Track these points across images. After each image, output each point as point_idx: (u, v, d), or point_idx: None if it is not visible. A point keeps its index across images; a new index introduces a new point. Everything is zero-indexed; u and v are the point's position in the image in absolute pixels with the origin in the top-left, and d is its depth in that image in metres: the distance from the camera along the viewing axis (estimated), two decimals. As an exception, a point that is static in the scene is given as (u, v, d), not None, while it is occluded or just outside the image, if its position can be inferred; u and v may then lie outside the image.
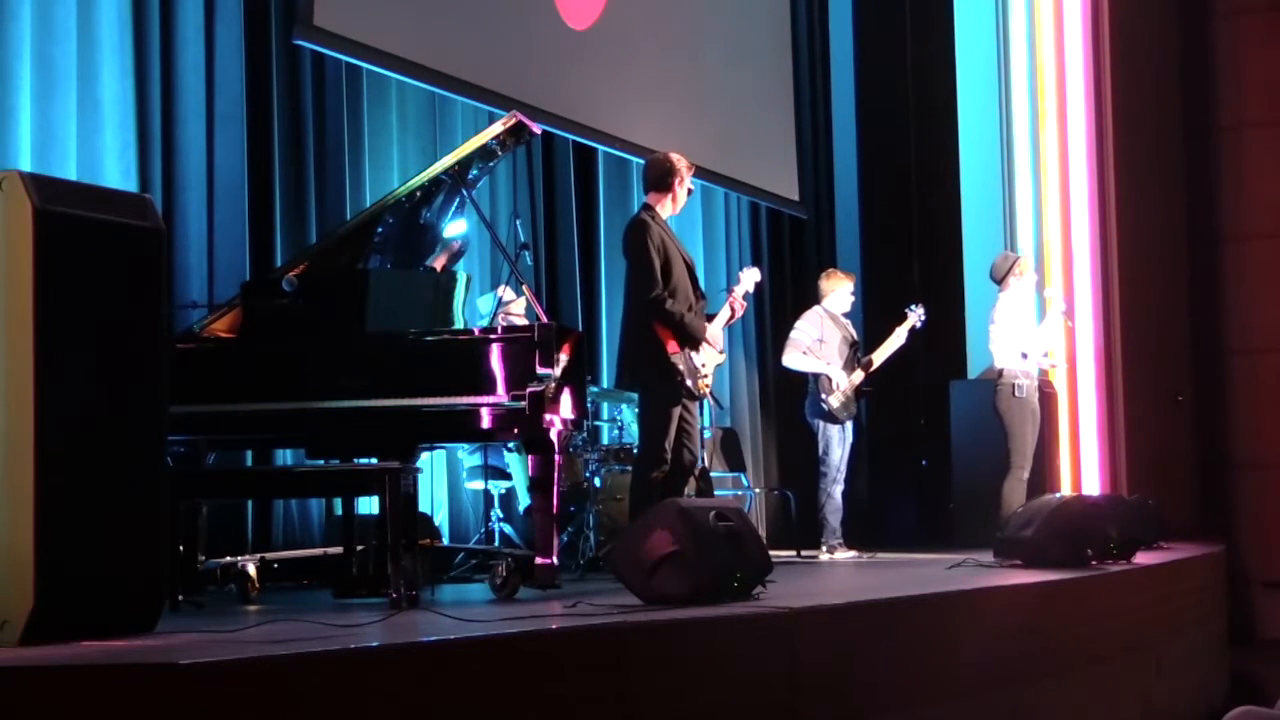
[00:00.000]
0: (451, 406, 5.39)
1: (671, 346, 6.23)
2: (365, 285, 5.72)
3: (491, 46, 7.98)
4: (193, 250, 6.75)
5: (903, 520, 10.73)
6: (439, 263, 6.18)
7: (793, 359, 8.43)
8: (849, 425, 8.39)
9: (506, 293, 7.12)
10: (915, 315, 8.55)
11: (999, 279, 8.37)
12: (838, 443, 8.33)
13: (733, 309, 6.82)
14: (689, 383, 6.26)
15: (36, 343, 3.60)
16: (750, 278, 7.00)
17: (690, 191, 6.59)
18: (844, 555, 8.24)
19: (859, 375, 8.35)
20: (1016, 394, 8.11)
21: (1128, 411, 10.61)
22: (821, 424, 8.34)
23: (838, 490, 8.33)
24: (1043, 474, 9.19)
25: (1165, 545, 8.40)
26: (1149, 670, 6.88)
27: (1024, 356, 8.22)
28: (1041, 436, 8.67)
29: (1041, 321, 8.38)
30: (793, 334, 8.49)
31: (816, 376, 8.34)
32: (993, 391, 8.28)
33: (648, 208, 6.47)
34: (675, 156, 6.54)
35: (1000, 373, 8.21)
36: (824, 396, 8.26)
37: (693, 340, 6.30)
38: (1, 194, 3.64)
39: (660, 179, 6.48)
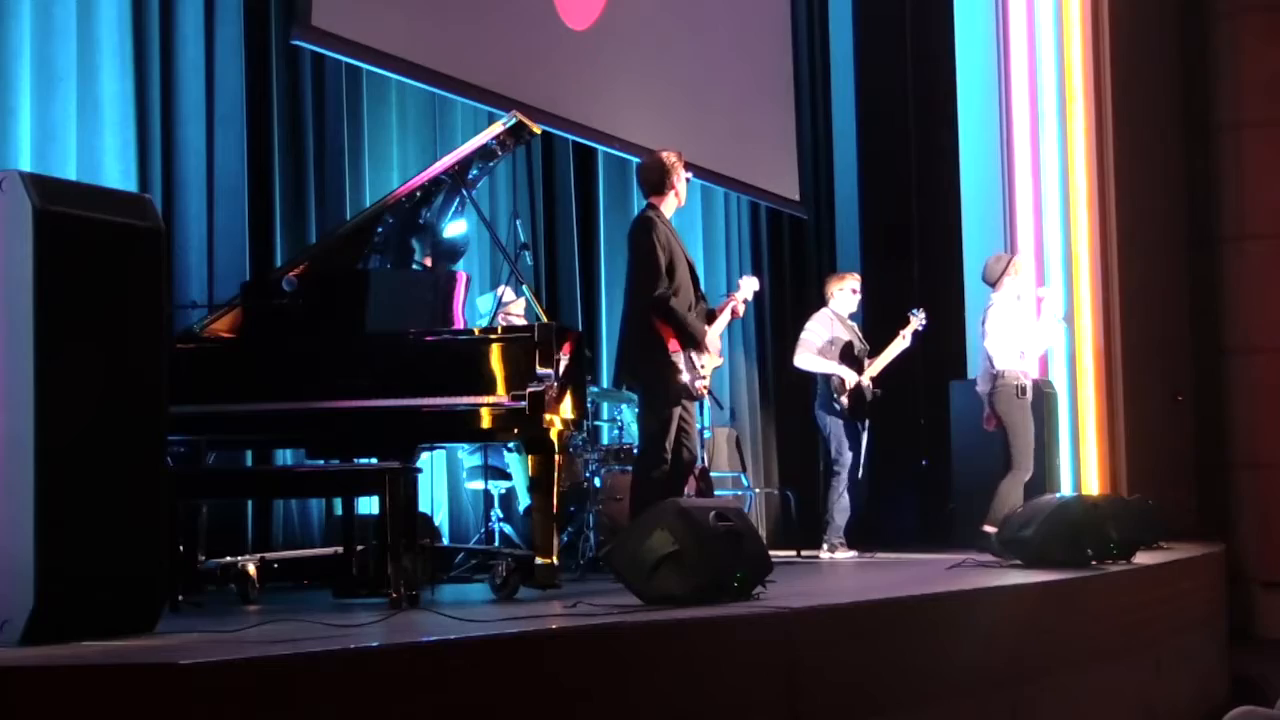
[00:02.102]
0: (451, 406, 5.39)
1: (673, 345, 6.24)
2: (365, 285, 5.73)
3: (491, 46, 7.98)
4: (193, 250, 6.75)
5: (903, 520, 10.72)
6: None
7: (805, 359, 8.44)
8: (861, 425, 8.39)
9: (506, 293, 7.13)
10: (917, 319, 8.55)
11: (993, 280, 8.29)
12: (850, 442, 8.34)
13: (734, 313, 6.82)
14: (688, 381, 6.26)
15: (36, 343, 3.60)
16: (750, 286, 7.00)
17: (688, 180, 6.61)
18: (844, 555, 8.24)
19: (864, 378, 8.37)
20: (1019, 395, 8.05)
21: (1128, 411, 10.61)
22: (833, 423, 8.35)
23: (845, 490, 8.34)
24: (1043, 474, 9.19)
25: (1165, 545, 8.40)
26: (1149, 670, 6.88)
27: (1022, 356, 8.17)
28: (1041, 436, 8.65)
29: (1036, 321, 8.33)
30: (804, 335, 8.50)
31: (828, 377, 8.35)
32: (991, 392, 8.20)
33: (652, 207, 6.48)
34: (665, 155, 6.57)
35: (1002, 374, 8.13)
36: (837, 396, 8.28)
37: (694, 341, 6.31)
38: (2, 194, 3.64)
39: (659, 181, 6.51)
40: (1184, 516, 10.52)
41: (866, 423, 8.43)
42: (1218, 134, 11.97)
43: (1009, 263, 8.25)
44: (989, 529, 7.69)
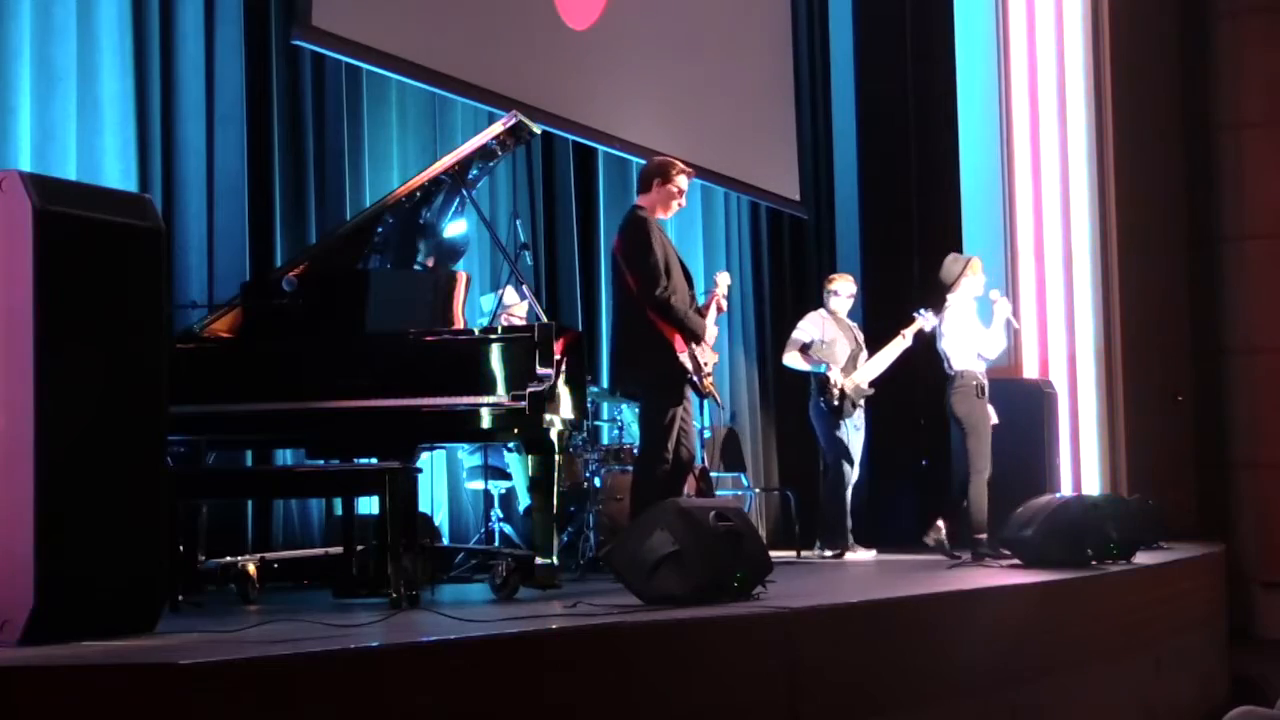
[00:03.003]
0: (451, 406, 5.39)
1: (679, 344, 6.23)
2: (365, 285, 5.73)
3: (491, 47, 7.97)
4: (193, 250, 6.74)
5: (903, 520, 10.72)
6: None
7: (790, 358, 8.54)
8: (855, 425, 8.38)
9: (509, 294, 7.12)
10: (924, 319, 8.52)
11: (951, 280, 8.21)
12: (847, 442, 8.33)
13: (719, 309, 6.78)
14: (695, 379, 6.26)
15: (36, 343, 3.60)
16: (725, 281, 6.92)
17: (680, 193, 6.44)
18: (831, 554, 8.25)
19: (858, 377, 8.37)
20: (979, 395, 8.00)
21: (1128, 411, 10.61)
22: (822, 423, 8.37)
23: (841, 489, 8.34)
24: (1043, 474, 9.19)
25: (1165, 545, 8.40)
26: (1149, 670, 6.89)
27: (981, 358, 8.13)
28: (1041, 437, 8.62)
29: (990, 324, 8.27)
30: (794, 333, 8.57)
31: (815, 376, 8.37)
32: (949, 393, 8.08)
33: (639, 207, 6.43)
34: (667, 160, 6.49)
35: (960, 374, 8.03)
36: (822, 396, 8.30)
37: (696, 337, 6.30)
38: (2, 194, 3.64)
39: (643, 180, 6.46)
40: (1184, 517, 10.53)
41: (860, 423, 8.43)
42: (1218, 134, 11.98)
43: (967, 264, 8.21)
44: (980, 536, 7.73)
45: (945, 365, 8.05)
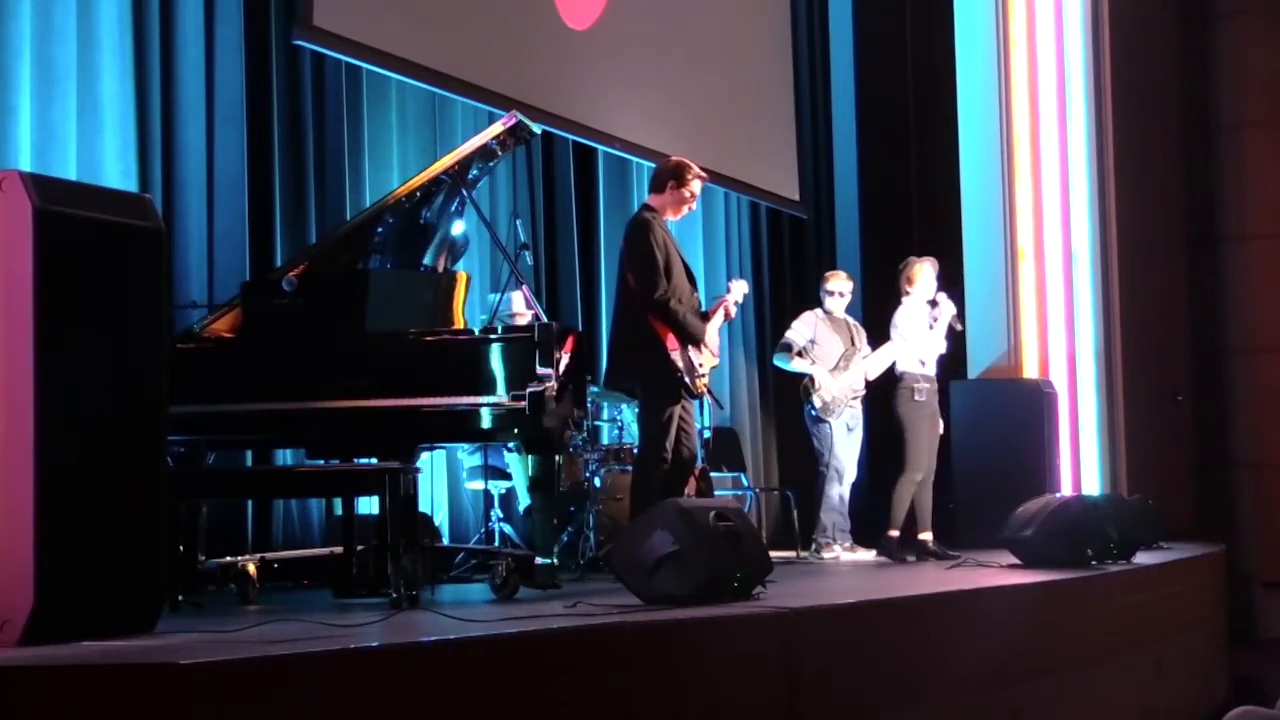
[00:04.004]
0: (451, 406, 5.39)
1: (671, 343, 6.23)
2: (365, 285, 5.73)
3: (491, 46, 7.98)
4: (193, 250, 6.75)
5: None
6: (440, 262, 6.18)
7: (777, 359, 8.53)
8: (848, 425, 8.37)
9: (517, 301, 7.11)
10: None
11: (898, 283, 8.25)
12: (833, 443, 8.33)
13: (726, 315, 6.76)
14: (687, 380, 6.26)
15: (36, 343, 3.60)
16: (740, 289, 6.90)
17: (693, 197, 6.47)
18: (829, 555, 8.24)
19: (846, 378, 8.34)
20: (916, 398, 8.03)
21: (1128, 411, 10.61)
22: (813, 425, 8.37)
23: (834, 490, 8.34)
24: (1043, 474, 9.19)
25: (1165, 545, 8.40)
26: (1149, 670, 6.89)
27: (922, 363, 8.14)
28: (1041, 437, 8.60)
29: (933, 328, 8.28)
30: (786, 334, 8.55)
31: (803, 377, 8.38)
32: (893, 395, 8.11)
33: (648, 208, 6.44)
34: (683, 162, 6.48)
35: (901, 376, 8.09)
36: (807, 397, 8.29)
37: (693, 339, 6.29)
38: (2, 194, 3.64)
39: (656, 180, 6.47)
40: (1182, 518, 10.53)
41: (854, 423, 8.41)
42: (1219, 134, 11.97)
43: (915, 267, 8.22)
44: (893, 533, 7.82)
45: (891, 366, 8.11)
